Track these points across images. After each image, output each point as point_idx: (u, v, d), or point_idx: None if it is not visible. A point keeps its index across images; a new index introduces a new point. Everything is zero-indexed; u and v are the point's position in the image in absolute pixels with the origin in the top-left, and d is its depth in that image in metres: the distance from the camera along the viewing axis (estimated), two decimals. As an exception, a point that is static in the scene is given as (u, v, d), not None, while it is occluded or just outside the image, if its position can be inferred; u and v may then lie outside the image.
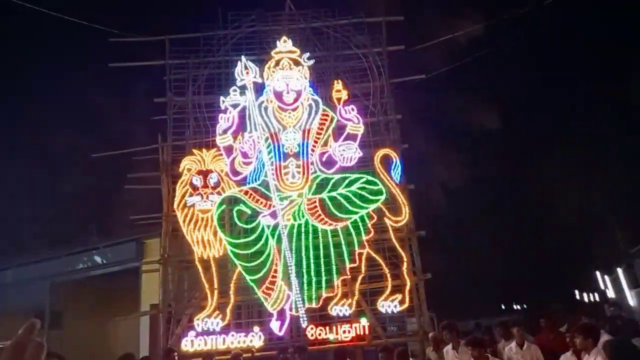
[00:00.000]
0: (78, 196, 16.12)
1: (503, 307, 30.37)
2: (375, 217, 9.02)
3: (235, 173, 9.36)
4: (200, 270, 8.88)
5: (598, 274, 20.99)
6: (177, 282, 9.59)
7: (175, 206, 9.16)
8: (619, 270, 16.69)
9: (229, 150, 9.37)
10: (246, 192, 9.09)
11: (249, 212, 9.01)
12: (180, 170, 9.31)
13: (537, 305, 24.03)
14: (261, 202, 9.03)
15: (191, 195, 9.05)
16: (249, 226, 8.96)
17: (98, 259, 12.40)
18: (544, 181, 18.48)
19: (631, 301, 15.61)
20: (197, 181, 9.10)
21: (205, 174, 9.19)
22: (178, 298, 9.25)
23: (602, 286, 20.85)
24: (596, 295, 24.98)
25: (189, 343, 8.30)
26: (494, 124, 16.94)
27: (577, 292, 29.33)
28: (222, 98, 9.38)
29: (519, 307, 30.58)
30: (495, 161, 18.06)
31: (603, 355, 4.28)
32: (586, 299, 27.69)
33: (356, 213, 8.87)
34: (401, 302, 8.80)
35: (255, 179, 9.32)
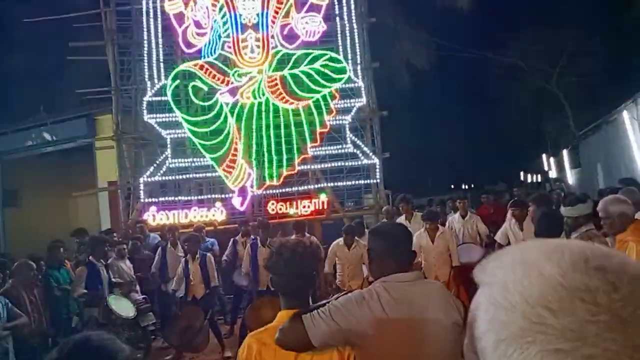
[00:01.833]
0: (16, 68, 14.72)
1: (452, 187, 32.36)
2: (338, 96, 8.85)
3: (189, 45, 8.70)
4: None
5: (544, 156, 22.29)
6: (134, 158, 9.41)
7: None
8: (564, 152, 17.72)
9: (180, 18, 8.58)
10: (201, 67, 8.56)
11: (205, 88, 8.59)
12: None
13: (483, 184, 25.75)
14: (218, 78, 8.58)
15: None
16: (207, 103, 8.62)
17: (48, 136, 11.82)
18: (506, 66, 18.40)
19: (570, 180, 16.90)
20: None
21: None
22: (136, 174, 9.14)
23: (545, 167, 22.31)
24: (539, 176, 26.88)
25: (151, 217, 8.42)
26: (464, 2, 16.16)
27: (522, 173, 31.43)
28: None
29: (467, 187, 32.70)
30: (462, 42, 17.64)
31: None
32: (530, 180, 29.84)
33: (318, 92, 8.64)
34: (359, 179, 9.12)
35: (211, 53, 8.72)
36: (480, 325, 0.55)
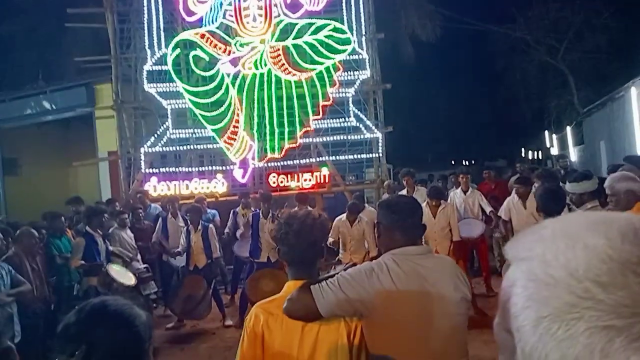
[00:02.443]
0: (14, 35, 14.44)
1: (453, 162, 32.32)
2: (342, 68, 8.70)
3: (189, 12, 8.49)
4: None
5: (546, 133, 22.16)
6: (134, 128, 9.33)
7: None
8: (568, 129, 17.58)
9: (181, -16, 8.34)
10: (202, 36, 8.38)
11: (206, 58, 8.43)
12: None
13: (483, 161, 25.70)
14: (219, 48, 8.41)
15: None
16: (208, 74, 8.48)
17: (47, 104, 11.67)
18: (512, 40, 18.04)
19: (573, 157, 16.83)
20: None
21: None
22: (136, 144, 9.09)
23: (547, 144, 22.21)
24: (540, 152, 26.81)
25: (152, 188, 8.40)
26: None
27: (523, 150, 31.36)
28: None
29: (467, 162, 32.67)
30: (468, 14, 17.23)
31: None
32: (530, 157, 29.80)
33: (322, 63, 8.49)
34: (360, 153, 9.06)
35: (212, 21, 8.52)
36: (517, 302, 0.51)
